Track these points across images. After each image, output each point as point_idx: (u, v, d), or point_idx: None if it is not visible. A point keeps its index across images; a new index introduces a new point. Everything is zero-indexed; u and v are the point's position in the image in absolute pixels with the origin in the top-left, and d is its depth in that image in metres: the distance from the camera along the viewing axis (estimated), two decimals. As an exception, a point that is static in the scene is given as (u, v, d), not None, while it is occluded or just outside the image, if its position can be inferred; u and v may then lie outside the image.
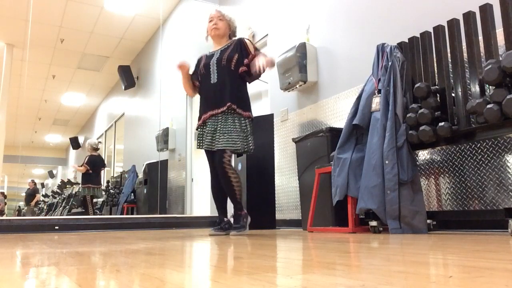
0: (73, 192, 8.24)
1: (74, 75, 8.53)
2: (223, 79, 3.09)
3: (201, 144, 3.14)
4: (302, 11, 4.53)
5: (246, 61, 3.12)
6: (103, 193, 7.63)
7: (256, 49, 3.21)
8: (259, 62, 2.95)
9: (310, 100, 4.31)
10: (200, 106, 3.21)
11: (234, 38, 3.32)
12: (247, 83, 3.21)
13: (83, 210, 6.95)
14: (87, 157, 7.05)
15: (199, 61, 3.33)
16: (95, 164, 7.03)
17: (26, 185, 9.61)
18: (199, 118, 3.18)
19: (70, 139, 9.60)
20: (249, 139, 3.08)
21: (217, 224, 3.14)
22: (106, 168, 8.76)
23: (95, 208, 7.44)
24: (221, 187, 3.12)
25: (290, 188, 4.50)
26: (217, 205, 3.18)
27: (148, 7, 6.98)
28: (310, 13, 4.40)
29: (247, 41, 3.20)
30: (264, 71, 3.00)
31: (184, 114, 6.86)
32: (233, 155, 3.06)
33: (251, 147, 3.09)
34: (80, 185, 7.04)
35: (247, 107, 3.11)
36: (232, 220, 3.12)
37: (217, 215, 3.23)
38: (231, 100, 3.02)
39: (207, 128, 3.09)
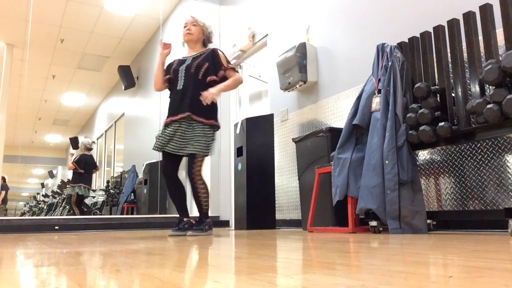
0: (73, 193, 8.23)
1: (74, 75, 8.53)
2: (188, 86, 3.16)
3: (159, 146, 3.15)
4: (302, 11, 4.53)
5: (221, 73, 3.19)
6: (92, 193, 7.57)
7: (228, 62, 3.27)
8: (208, 96, 3.03)
9: (310, 100, 4.31)
10: (167, 110, 3.27)
11: (208, 47, 3.38)
12: None
13: (84, 210, 6.92)
14: (78, 156, 6.97)
15: (170, 64, 3.39)
16: (86, 164, 6.95)
17: (27, 185, 9.61)
18: (164, 123, 3.24)
19: (70, 139, 9.59)
20: (210, 145, 3.14)
21: (176, 225, 3.16)
22: (106, 168, 8.76)
23: (94, 208, 7.42)
24: (176, 189, 3.18)
25: (290, 188, 4.50)
26: (176, 206, 3.22)
27: (148, 7, 6.97)
28: (310, 13, 4.40)
29: (220, 52, 3.28)
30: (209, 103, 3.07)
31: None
32: (203, 163, 3.12)
33: (206, 153, 3.15)
34: (71, 184, 6.95)
35: (211, 115, 3.16)
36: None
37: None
38: (191, 109, 3.09)
39: (168, 132, 3.15)
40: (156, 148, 3.15)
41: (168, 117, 3.19)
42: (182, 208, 3.21)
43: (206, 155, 3.11)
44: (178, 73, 3.24)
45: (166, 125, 3.19)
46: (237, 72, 3.28)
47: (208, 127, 3.14)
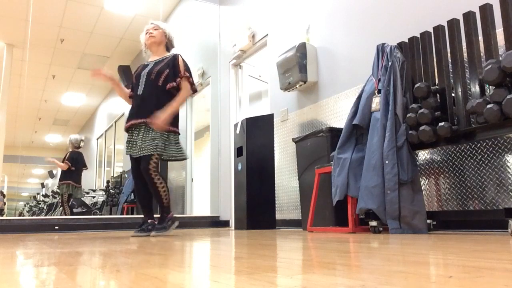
0: (73, 193, 8.22)
1: (74, 75, 8.54)
2: (148, 92, 3.18)
3: (128, 150, 3.24)
4: (302, 11, 4.53)
5: (178, 80, 3.19)
6: (84, 193, 7.44)
7: (185, 70, 3.26)
8: (154, 118, 3.05)
9: (310, 100, 4.31)
10: (128, 114, 3.30)
11: (171, 53, 3.40)
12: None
13: (84, 210, 6.89)
14: (68, 153, 6.83)
15: (136, 69, 3.42)
16: (76, 161, 6.80)
17: (27, 185, 9.61)
18: (124, 127, 3.28)
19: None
20: (172, 148, 3.16)
21: (139, 226, 3.17)
22: (106, 168, 8.75)
23: (94, 208, 7.39)
24: (145, 190, 3.22)
25: (290, 188, 4.50)
26: (142, 207, 3.25)
27: (148, 7, 6.98)
28: (310, 13, 4.40)
29: (180, 59, 3.28)
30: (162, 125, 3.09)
31: (184, 114, 6.86)
32: (159, 162, 3.13)
33: (178, 156, 3.17)
34: (58, 182, 6.82)
35: (171, 122, 3.16)
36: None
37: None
38: (149, 115, 3.11)
39: (130, 136, 3.22)
40: (126, 153, 3.23)
41: (127, 121, 3.24)
42: (148, 209, 3.25)
43: (159, 155, 3.10)
44: (139, 78, 3.27)
45: (127, 129, 3.26)
46: (190, 82, 3.25)
47: (166, 132, 3.16)
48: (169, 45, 3.45)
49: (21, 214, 9.85)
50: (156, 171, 3.09)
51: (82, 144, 7.08)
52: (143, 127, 3.16)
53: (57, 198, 9.12)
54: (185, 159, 3.25)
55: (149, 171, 3.05)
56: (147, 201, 3.25)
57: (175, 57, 3.28)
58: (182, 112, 6.72)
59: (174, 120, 3.21)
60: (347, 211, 2.99)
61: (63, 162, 6.77)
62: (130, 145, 3.21)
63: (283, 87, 4.37)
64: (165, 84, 3.19)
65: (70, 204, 6.77)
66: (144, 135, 3.13)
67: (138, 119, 3.16)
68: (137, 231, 3.12)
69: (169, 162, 7.03)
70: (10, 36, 7.01)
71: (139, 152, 3.10)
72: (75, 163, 6.79)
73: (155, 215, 3.24)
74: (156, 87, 3.18)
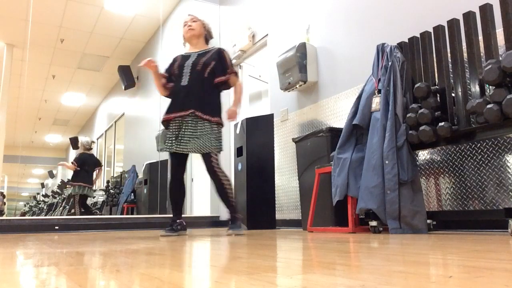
0: (72, 192, 8.22)
1: (74, 75, 8.53)
2: (194, 83, 3.13)
3: (169, 147, 3.12)
4: (302, 11, 4.53)
5: (227, 76, 3.19)
6: (94, 193, 7.53)
7: (232, 65, 3.27)
8: (233, 113, 3.15)
9: (310, 100, 4.31)
10: (169, 107, 3.20)
11: (213, 46, 3.37)
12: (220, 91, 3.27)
13: (83, 211, 6.90)
14: (77, 155, 6.96)
15: (174, 60, 3.36)
16: (84, 162, 6.89)
17: (27, 185, 9.60)
18: (163, 119, 3.19)
19: (70, 139, 9.59)
20: (219, 141, 3.14)
21: (169, 225, 3.14)
22: (106, 168, 8.75)
23: (94, 208, 7.40)
24: (180, 189, 3.16)
25: (290, 188, 4.50)
26: (173, 206, 3.19)
27: (148, 7, 6.97)
28: (310, 13, 4.40)
29: (226, 54, 3.27)
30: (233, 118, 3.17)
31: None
32: (218, 156, 3.12)
33: (220, 148, 3.15)
34: (71, 182, 6.91)
35: (216, 113, 3.15)
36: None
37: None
38: (197, 106, 3.07)
39: (172, 129, 3.13)
40: (167, 149, 3.12)
41: (170, 113, 3.13)
42: (179, 209, 3.20)
43: (219, 151, 3.10)
44: (183, 68, 3.20)
45: (168, 121, 3.15)
46: (238, 77, 3.30)
47: (215, 124, 3.12)
48: (208, 37, 3.41)
49: (24, 214, 9.85)
50: (220, 167, 3.07)
51: (93, 145, 7.18)
52: (188, 119, 3.09)
53: (57, 198, 9.12)
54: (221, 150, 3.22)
55: (214, 168, 3.03)
56: (181, 200, 3.19)
57: (220, 51, 3.25)
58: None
59: (221, 112, 3.20)
60: (347, 211, 2.99)
61: (72, 162, 6.87)
62: (174, 140, 3.10)
63: (283, 87, 4.36)
64: (211, 76, 3.16)
65: (82, 205, 6.85)
66: (190, 129, 3.07)
67: (183, 111, 3.08)
68: (167, 230, 3.08)
69: (169, 162, 7.03)
70: (10, 36, 7.01)
71: (184, 148, 3.05)
72: (81, 164, 6.86)
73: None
74: (202, 79, 3.13)
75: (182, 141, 3.09)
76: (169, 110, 3.15)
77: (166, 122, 3.18)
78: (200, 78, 3.13)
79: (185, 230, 3.18)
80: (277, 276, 0.86)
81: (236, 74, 3.26)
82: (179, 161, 3.16)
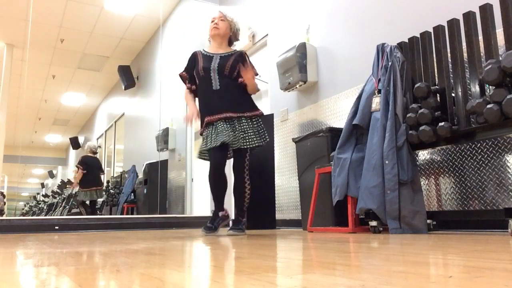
0: (73, 192, 8.23)
1: (74, 75, 8.53)
2: (226, 87, 3.14)
3: (211, 141, 3.06)
4: (302, 11, 4.53)
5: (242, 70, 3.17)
6: (104, 193, 7.57)
7: (253, 66, 3.30)
8: (248, 74, 3.12)
9: (310, 100, 4.31)
10: (201, 110, 3.21)
11: (235, 50, 3.36)
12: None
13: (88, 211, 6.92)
14: (81, 158, 6.96)
15: (194, 56, 3.31)
16: (89, 165, 6.93)
17: (27, 185, 9.61)
18: (202, 122, 3.19)
19: (70, 139, 9.60)
20: (260, 134, 3.16)
21: (211, 222, 3.12)
22: (106, 168, 8.75)
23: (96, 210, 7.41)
24: (223, 182, 3.09)
25: (290, 188, 4.50)
26: (217, 199, 3.12)
27: (148, 7, 6.97)
28: (310, 13, 4.40)
29: (247, 58, 3.30)
30: (250, 82, 3.14)
31: (184, 114, 6.86)
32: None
33: (267, 139, 3.17)
34: (81, 189, 6.92)
35: (255, 106, 3.20)
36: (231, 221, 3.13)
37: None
38: (232, 108, 3.08)
39: (220, 127, 3.06)
40: (211, 145, 3.04)
41: (210, 115, 3.11)
42: (222, 202, 3.15)
43: (264, 143, 3.13)
44: (210, 72, 3.17)
45: (208, 123, 3.13)
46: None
47: (254, 118, 3.15)
48: (232, 38, 3.38)
49: (25, 214, 9.85)
50: (247, 170, 3.10)
51: (99, 150, 7.23)
52: (227, 120, 3.08)
53: (57, 198, 9.13)
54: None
55: (244, 169, 3.07)
56: (223, 192, 3.13)
57: (242, 53, 3.27)
58: (181, 111, 6.71)
59: (255, 106, 3.21)
60: (347, 211, 2.99)
61: (77, 169, 6.90)
62: (214, 137, 3.06)
63: (283, 87, 4.36)
64: (237, 77, 3.18)
65: (91, 211, 6.89)
66: (244, 127, 3.09)
67: (217, 114, 3.07)
68: (208, 229, 3.07)
69: (169, 162, 7.04)
70: (10, 36, 7.01)
71: (242, 143, 3.04)
72: (87, 166, 6.90)
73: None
74: (230, 82, 3.16)
75: (220, 135, 3.04)
76: (208, 113, 3.13)
77: (206, 124, 3.15)
78: (228, 82, 3.15)
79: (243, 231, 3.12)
80: (277, 276, 0.86)
81: (256, 75, 3.30)
82: (222, 154, 3.08)
